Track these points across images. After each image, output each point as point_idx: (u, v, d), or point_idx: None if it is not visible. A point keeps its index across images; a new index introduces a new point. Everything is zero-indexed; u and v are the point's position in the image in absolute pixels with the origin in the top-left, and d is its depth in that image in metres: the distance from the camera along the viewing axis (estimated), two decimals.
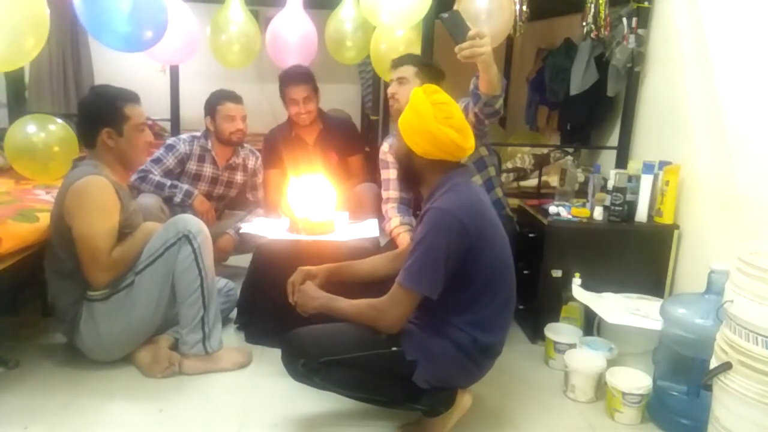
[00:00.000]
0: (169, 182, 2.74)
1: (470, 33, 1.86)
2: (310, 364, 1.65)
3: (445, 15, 1.90)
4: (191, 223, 2.08)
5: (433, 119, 1.63)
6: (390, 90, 2.41)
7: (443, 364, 1.67)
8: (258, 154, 3.05)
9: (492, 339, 1.72)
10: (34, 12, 1.98)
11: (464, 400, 1.78)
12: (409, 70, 2.39)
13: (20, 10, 1.93)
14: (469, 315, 1.69)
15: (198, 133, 2.91)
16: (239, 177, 2.98)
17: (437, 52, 3.02)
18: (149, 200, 2.61)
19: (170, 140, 2.85)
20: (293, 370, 1.70)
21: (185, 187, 2.78)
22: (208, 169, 2.88)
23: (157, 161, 2.75)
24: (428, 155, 1.68)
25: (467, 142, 1.68)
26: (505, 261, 1.74)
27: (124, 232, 2.05)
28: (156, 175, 2.73)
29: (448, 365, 1.68)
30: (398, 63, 2.44)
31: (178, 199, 2.74)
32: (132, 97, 2.11)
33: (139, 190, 2.67)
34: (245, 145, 2.98)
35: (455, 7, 2.48)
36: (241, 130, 2.86)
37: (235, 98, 2.84)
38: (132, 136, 2.10)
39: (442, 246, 1.60)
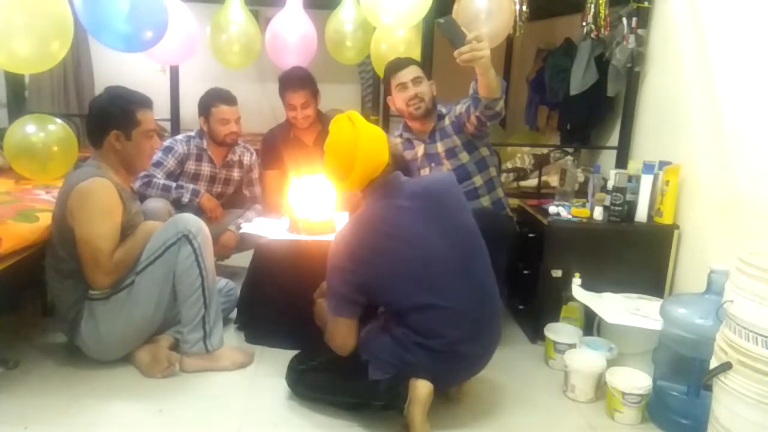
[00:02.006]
0: (174, 184, 2.74)
1: (470, 36, 1.88)
2: (291, 375, 1.94)
3: (442, 20, 1.92)
4: (191, 222, 2.09)
5: None
6: (410, 93, 2.41)
7: (390, 359, 1.77)
8: (253, 150, 3.05)
9: (437, 343, 1.74)
10: (59, 17, 2.04)
11: (418, 390, 1.74)
12: (418, 69, 2.45)
13: (46, 15, 1.99)
14: (407, 327, 1.76)
15: (192, 133, 2.90)
16: (236, 174, 2.99)
17: (437, 53, 3.02)
18: (157, 204, 2.59)
19: (166, 142, 2.83)
20: (288, 385, 1.96)
21: (191, 186, 2.78)
22: (206, 168, 2.88)
23: (158, 164, 2.74)
24: None
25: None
26: (434, 276, 1.74)
27: (126, 233, 2.05)
28: (160, 179, 2.72)
29: (394, 359, 1.76)
30: (402, 65, 2.46)
31: (186, 199, 2.73)
32: (145, 102, 2.11)
33: (145, 195, 2.65)
34: (239, 141, 2.97)
35: (455, 7, 2.49)
36: (235, 132, 2.84)
37: (229, 100, 2.81)
38: (140, 142, 2.10)
39: (340, 271, 1.74)
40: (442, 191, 1.86)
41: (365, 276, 1.73)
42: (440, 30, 1.92)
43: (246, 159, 3.00)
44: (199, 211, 2.69)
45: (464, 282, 1.77)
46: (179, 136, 2.89)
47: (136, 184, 2.63)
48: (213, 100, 2.80)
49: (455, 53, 1.89)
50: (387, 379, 1.77)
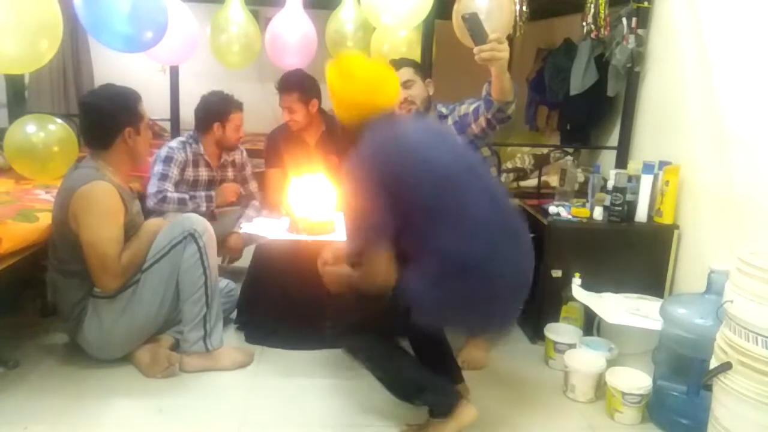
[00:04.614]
0: (186, 196, 2.72)
1: (492, 36, 1.89)
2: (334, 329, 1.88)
3: (467, 15, 1.93)
4: (197, 222, 2.10)
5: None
6: (402, 96, 2.40)
7: (428, 301, 1.64)
8: (242, 148, 3.05)
9: (470, 261, 1.61)
10: (47, 16, 2.02)
11: (465, 413, 1.74)
12: (409, 72, 2.42)
13: (34, 13, 1.97)
14: (436, 256, 1.63)
15: (184, 138, 2.84)
16: (231, 173, 2.98)
17: (437, 54, 3.02)
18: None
19: (163, 152, 2.75)
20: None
21: (203, 194, 2.78)
22: (203, 173, 2.85)
23: (165, 177, 2.69)
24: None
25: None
26: (445, 179, 1.66)
27: (128, 234, 2.05)
28: (173, 193, 2.69)
29: (433, 299, 1.63)
30: (396, 68, 2.42)
31: (203, 208, 2.72)
32: (139, 95, 2.14)
33: (161, 211, 2.61)
34: None
35: (455, 7, 2.49)
36: (242, 136, 2.91)
37: (241, 106, 2.86)
38: (145, 135, 2.14)
39: (363, 200, 1.63)
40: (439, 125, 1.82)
41: (387, 186, 1.61)
42: (464, 24, 1.94)
43: (237, 158, 3.00)
44: (210, 217, 2.68)
45: (481, 191, 1.70)
46: (173, 144, 2.81)
47: (150, 203, 2.60)
48: (231, 106, 2.80)
49: (475, 50, 1.91)
50: (447, 386, 1.77)
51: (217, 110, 2.80)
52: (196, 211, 2.67)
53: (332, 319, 1.88)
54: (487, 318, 1.72)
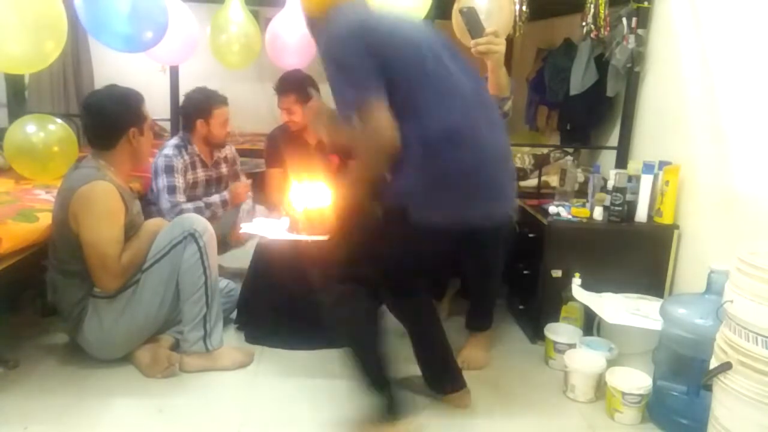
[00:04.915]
0: (201, 204, 2.70)
1: (489, 30, 1.92)
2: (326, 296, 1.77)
3: (465, 9, 1.96)
4: (197, 222, 2.11)
5: None
6: None
7: (420, 189, 1.61)
8: (229, 143, 3.03)
9: (444, 124, 1.59)
10: (53, 16, 2.03)
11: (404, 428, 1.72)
12: None
13: (40, 14, 1.99)
14: (413, 122, 1.59)
15: (175, 141, 2.77)
16: (224, 170, 2.97)
17: None
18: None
19: (161, 162, 2.66)
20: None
21: (216, 200, 2.77)
22: (200, 174, 2.82)
23: (174, 189, 2.64)
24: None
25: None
26: (425, 46, 1.65)
27: (128, 234, 2.06)
28: (187, 204, 2.65)
29: (424, 186, 1.61)
30: None
31: (220, 212, 2.72)
32: (143, 97, 2.15)
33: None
34: None
35: (455, 7, 2.50)
36: (229, 132, 2.87)
37: (226, 100, 2.79)
38: (148, 135, 2.16)
39: (353, 56, 1.58)
40: None
41: (370, 50, 1.57)
42: (461, 18, 1.98)
43: (228, 153, 2.99)
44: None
45: (456, 63, 1.68)
46: (168, 151, 2.71)
47: (169, 218, 2.53)
48: (214, 101, 2.74)
49: (472, 43, 1.93)
50: (398, 399, 1.73)
51: (200, 107, 2.74)
52: (214, 217, 2.66)
53: (325, 282, 1.79)
54: (482, 197, 1.67)
